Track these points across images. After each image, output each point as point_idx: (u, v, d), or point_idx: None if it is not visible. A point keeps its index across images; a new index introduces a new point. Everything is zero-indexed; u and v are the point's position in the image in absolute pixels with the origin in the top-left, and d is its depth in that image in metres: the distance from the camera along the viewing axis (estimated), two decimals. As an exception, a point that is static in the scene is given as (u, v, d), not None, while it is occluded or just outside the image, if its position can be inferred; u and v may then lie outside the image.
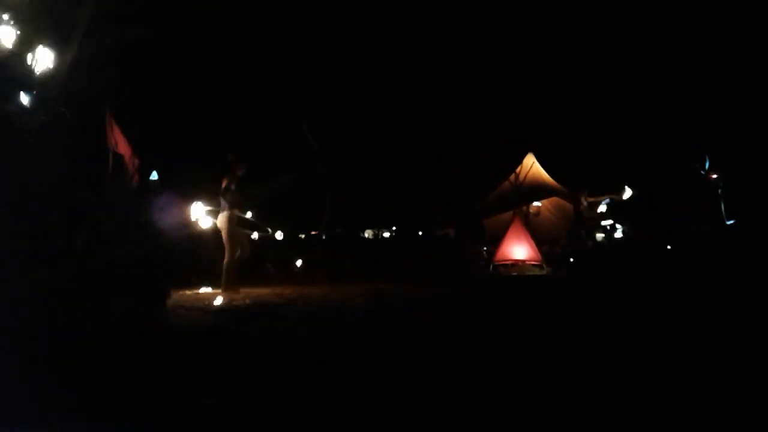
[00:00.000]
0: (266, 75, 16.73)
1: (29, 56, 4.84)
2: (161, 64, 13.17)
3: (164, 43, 12.34)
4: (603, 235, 15.65)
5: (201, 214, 8.43)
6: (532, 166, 15.45)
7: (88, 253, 3.59)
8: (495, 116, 19.05)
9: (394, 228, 26.75)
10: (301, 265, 14.22)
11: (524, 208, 14.60)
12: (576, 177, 15.01)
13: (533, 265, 13.53)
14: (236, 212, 8.66)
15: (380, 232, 25.53)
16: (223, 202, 8.61)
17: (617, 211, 13.67)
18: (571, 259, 13.42)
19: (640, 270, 11.48)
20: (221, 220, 8.57)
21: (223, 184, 8.57)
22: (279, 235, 9.76)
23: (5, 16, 4.73)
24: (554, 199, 16.21)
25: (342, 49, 17.43)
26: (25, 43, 4.80)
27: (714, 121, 16.53)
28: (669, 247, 14.46)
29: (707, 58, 16.75)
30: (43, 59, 4.93)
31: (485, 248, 14.84)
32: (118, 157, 9.19)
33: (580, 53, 18.61)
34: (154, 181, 10.52)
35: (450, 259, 14.74)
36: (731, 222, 13.21)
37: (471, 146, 18.91)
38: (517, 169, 15.38)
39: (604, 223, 14.48)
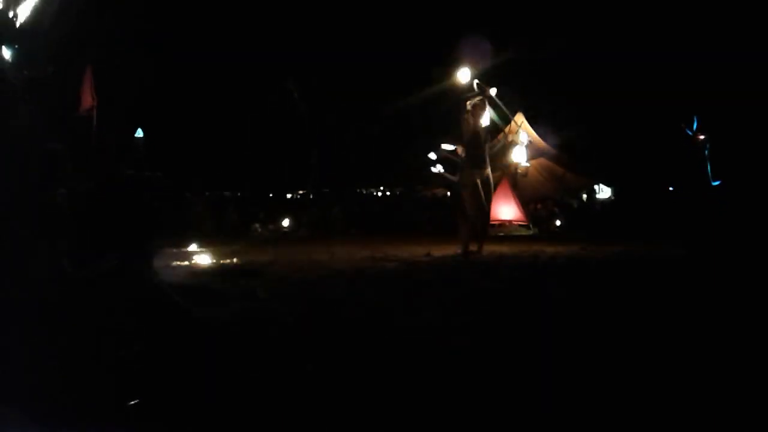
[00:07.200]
0: (251, 31, 16.42)
1: (10, 7, 4.66)
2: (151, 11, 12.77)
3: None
4: (586, 196, 15.77)
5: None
6: (521, 125, 15.39)
7: (71, 210, 3.58)
8: (488, 75, 18.91)
9: (381, 188, 26.73)
10: (289, 225, 14.24)
11: (512, 168, 14.57)
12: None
13: (520, 225, 13.64)
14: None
15: (369, 192, 25.50)
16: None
17: None
18: (558, 222, 13.54)
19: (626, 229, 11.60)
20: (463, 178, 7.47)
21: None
22: None
23: None
24: (542, 159, 16.23)
25: (336, 12, 17.14)
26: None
27: (703, 84, 16.51)
28: (654, 206, 14.59)
29: (698, 18, 16.65)
30: (24, 10, 4.76)
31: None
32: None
33: (572, 12, 18.44)
34: (139, 138, 10.43)
35: (441, 218, 14.64)
36: (717, 183, 13.30)
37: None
38: (507, 129, 15.31)
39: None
